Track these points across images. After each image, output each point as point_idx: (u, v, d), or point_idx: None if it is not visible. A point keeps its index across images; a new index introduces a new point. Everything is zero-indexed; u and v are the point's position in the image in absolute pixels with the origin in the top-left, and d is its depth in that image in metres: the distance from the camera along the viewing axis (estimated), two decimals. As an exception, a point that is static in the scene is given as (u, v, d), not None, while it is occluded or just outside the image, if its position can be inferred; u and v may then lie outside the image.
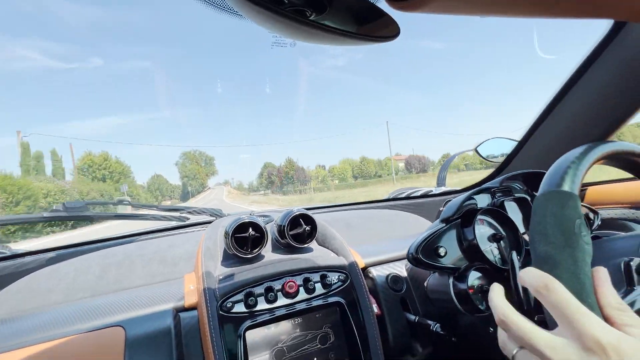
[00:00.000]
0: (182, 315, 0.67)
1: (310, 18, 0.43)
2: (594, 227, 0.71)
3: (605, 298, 0.35)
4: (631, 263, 0.43)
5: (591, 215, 0.73)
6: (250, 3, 0.34)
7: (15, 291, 0.80)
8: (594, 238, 0.52)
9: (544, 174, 0.70)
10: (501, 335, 0.39)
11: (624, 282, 0.42)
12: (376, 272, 0.84)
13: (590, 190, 1.02)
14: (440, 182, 1.72)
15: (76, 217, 0.89)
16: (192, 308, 0.69)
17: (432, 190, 1.60)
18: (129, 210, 1.05)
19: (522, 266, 0.57)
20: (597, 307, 0.34)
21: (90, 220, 0.93)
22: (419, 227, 1.27)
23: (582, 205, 0.41)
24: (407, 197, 1.51)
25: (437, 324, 0.70)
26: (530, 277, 0.37)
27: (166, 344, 0.61)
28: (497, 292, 0.40)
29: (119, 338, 0.59)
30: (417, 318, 0.76)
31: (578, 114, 0.87)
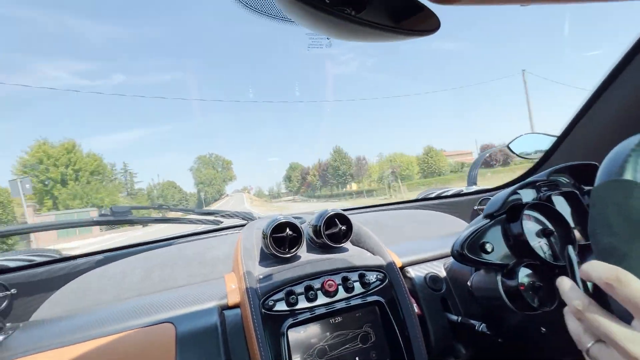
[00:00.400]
0: (226, 313, 0.69)
1: (350, 14, 0.44)
2: None
3: None
4: None
5: None
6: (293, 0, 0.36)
7: (70, 291, 0.85)
8: None
9: (595, 165, 0.66)
10: (575, 327, 0.37)
11: None
12: (414, 272, 0.83)
13: None
14: (472, 180, 1.67)
15: (121, 221, 0.94)
16: (235, 306, 0.70)
17: (462, 190, 1.56)
18: (168, 214, 1.10)
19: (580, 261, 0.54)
20: None
21: (133, 223, 0.98)
22: (453, 226, 1.23)
23: None
24: (438, 197, 1.47)
25: (483, 324, 0.68)
26: (598, 270, 0.35)
27: (214, 340, 0.63)
28: (569, 283, 0.39)
29: (169, 334, 0.62)
30: (459, 318, 0.74)
31: (630, 102, 0.82)
